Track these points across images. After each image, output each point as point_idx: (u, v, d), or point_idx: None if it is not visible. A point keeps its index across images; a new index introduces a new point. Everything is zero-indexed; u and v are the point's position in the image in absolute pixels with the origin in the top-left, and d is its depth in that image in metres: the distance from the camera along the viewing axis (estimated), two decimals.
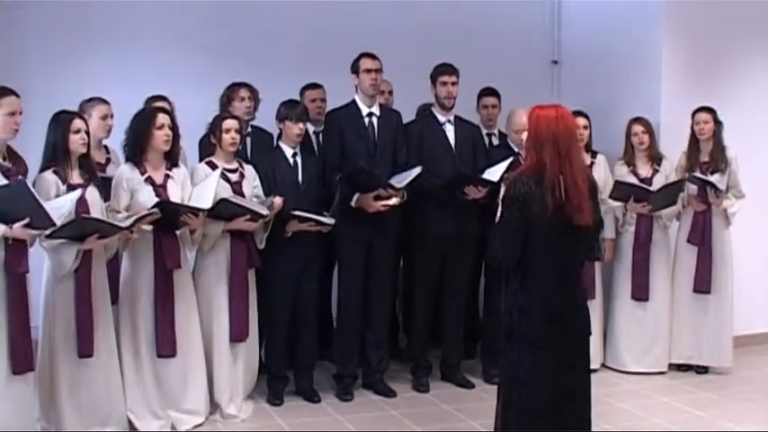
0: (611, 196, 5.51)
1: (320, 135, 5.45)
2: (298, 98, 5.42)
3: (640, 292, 5.68)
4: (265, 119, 5.38)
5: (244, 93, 5.31)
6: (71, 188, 4.13)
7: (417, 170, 4.94)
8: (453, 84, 5.23)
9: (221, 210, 4.55)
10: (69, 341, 4.18)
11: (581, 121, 5.47)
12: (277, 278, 4.92)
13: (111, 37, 5.79)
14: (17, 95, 3.96)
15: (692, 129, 5.67)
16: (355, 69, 5.12)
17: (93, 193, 4.23)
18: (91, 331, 4.19)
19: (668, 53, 6.05)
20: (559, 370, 3.37)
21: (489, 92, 6.00)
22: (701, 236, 5.64)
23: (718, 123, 5.64)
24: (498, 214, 3.46)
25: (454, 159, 5.23)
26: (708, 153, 5.64)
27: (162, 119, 4.45)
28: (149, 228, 4.38)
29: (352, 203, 4.95)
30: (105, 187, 4.36)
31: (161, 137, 4.44)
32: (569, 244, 3.35)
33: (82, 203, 4.11)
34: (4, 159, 3.98)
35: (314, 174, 5.02)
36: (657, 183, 5.63)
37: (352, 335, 5.19)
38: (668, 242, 5.78)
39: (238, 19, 6.07)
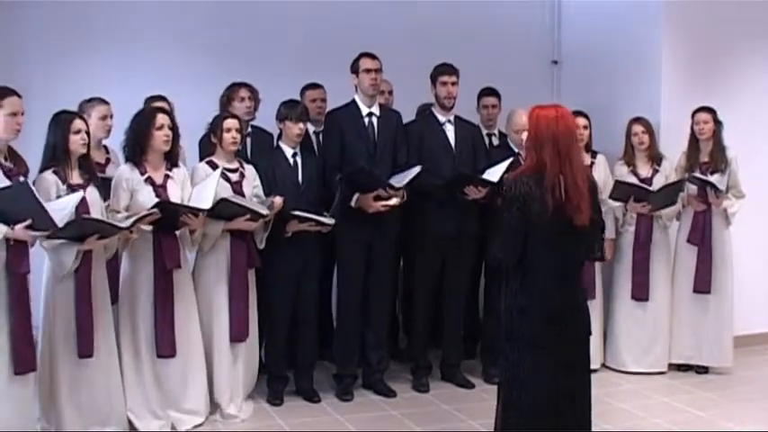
0: (611, 196, 5.51)
1: (320, 135, 5.45)
2: (298, 98, 5.42)
3: (640, 292, 5.68)
4: (265, 119, 5.38)
5: (244, 93, 5.31)
6: (71, 188, 4.13)
7: (417, 170, 4.94)
8: (453, 84, 5.23)
9: (221, 209, 4.55)
10: (69, 341, 4.18)
11: (581, 121, 5.47)
12: (277, 278, 4.92)
13: (111, 37, 5.78)
14: (19, 96, 3.96)
15: (692, 129, 5.67)
16: (355, 69, 5.12)
17: (93, 194, 4.23)
18: (91, 331, 4.19)
19: (668, 53, 6.05)
20: (559, 370, 3.37)
21: (489, 92, 6.00)
22: (701, 236, 5.64)
23: (718, 123, 5.64)
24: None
25: (454, 159, 5.23)
26: (708, 153, 5.64)
27: (161, 119, 4.45)
28: (149, 228, 4.38)
29: (352, 203, 4.95)
30: (105, 187, 4.36)
31: (161, 137, 4.44)
32: (569, 244, 3.34)
33: (82, 204, 4.11)
34: (6, 160, 3.98)
35: (314, 174, 5.02)
36: (657, 183, 5.63)
37: (352, 335, 5.19)
38: (668, 242, 5.78)
39: (238, 19, 6.07)
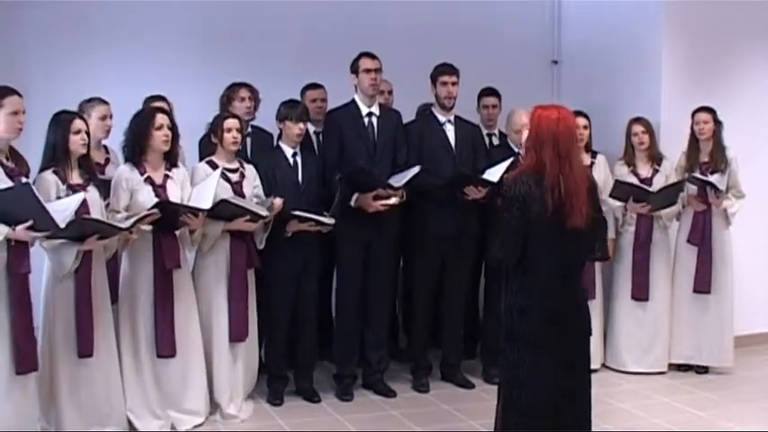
0: (610, 195, 5.51)
1: (321, 135, 5.45)
2: (298, 98, 5.42)
3: (640, 292, 5.67)
4: (265, 119, 5.37)
5: (244, 93, 5.31)
6: (71, 188, 4.13)
7: (416, 169, 4.94)
8: (453, 84, 5.23)
9: (221, 210, 4.55)
10: (69, 341, 4.18)
11: (581, 121, 5.47)
12: (277, 278, 4.92)
13: (111, 37, 5.78)
14: (20, 95, 3.96)
15: (692, 129, 5.67)
16: (355, 69, 5.12)
17: (93, 194, 4.23)
18: (91, 331, 4.19)
19: (668, 53, 6.05)
20: (559, 370, 3.37)
21: (489, 92, 6.00)
22: (701, 236, 5.64)
23: (717, 123, 5.64)
24: None
25: (454, 159, 5.23)
26: (708, 153, 5.64)
27: (161, 119, 4.45)
28: (149, 228, 4.38)
29: (352, 203, 4.95)
30: (104, 188, 4.36)
31: (160, 137, 4.44)
32: (569, 244, 3.34)
33: (82, 204, 4.09)
34: (7, 159, 3.98)
35: (314, 174, 5.02)
36: (658, 183, 5.63)
37: (352, 335, 5.19)
38: (668, 242, 5.78)
39: (238, 19, 6.07)
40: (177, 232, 4.49)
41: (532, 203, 3.27)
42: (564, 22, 7.03)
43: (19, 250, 3.85)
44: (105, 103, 4.83)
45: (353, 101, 5.16)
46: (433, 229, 5.19)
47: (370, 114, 5.14)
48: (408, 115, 5.55)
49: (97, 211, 4.23)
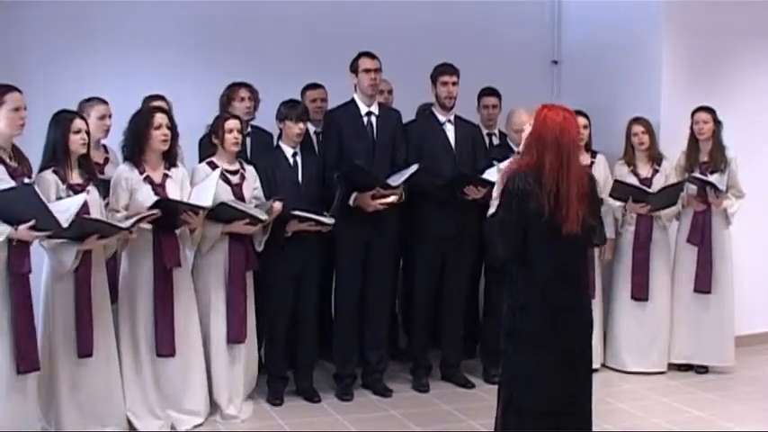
0: (610, 195, 5.51)
1: (321, 135, 5.45)
2: (298, 98, 5.42)
3: (640, 292, 5.67)
4: (265, 119, 5.37)
5: (244, 93, 5.31)
6: (71, 188, 4.13)
7: (414, 167, 4.94)
8: (454, 84, 5.23)
9: (220, 213, 4.55)
10: (69, 341, 4.18)
11: (581, 120, 5.45)
12: (277, 278, 4.92)
13: (111, 37, 5.77)
14: (20, 92, 3.97)
15: (692, 129, 5.67)
16: (354, 69, 5.12)
17: (92, 194, 4.22)
18: (90, 331, 4.19)
19: (668, 53, 6.05)
20: (560, 369, 3.37)
21: (490, 92, 6.00)
22: (701, 236, 5.64)
23: (717, 123, 5.63)
24: (492, 208, 3.48)
25: (454, 159, 5.23)
26: (707, 153, 5.65)
27: (159, 118, 4.45)
28: (149, 226, 4.38)
29: (350, 203, 4.95)
30: (103, 187, 4.36)
31: (159, 137, 4.44)
32: (566, 247, 3.34)
33: (83, 204, 4.10)
34: (10, 159, 3.98)
35: (314, 173, 5.02)
36: (658, 183, 5.63)
37: (351, 335, 5.19)
38: (668, 242, 5.78)
39: (238, 19, 6.06)
40: (177, 231, 4.49)
41: (530, 200, 3.28)
42: (564, 22, 7.03)
43: (19, 250, 3.85)
44: (104, 102, 4.83)
45: (353, 100, 5.16)
46: (433, 229, 5.19)
47: (369, 114, 5.14)
48: (408, 115, 5.55)
49: (97, 210, 4.23)
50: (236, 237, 4.69)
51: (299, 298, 4.98)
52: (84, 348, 4.18)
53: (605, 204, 5.45)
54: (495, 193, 3.53)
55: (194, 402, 4.59)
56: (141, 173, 4.43)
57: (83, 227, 4.02)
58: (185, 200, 4.50)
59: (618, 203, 5.63)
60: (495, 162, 5.09)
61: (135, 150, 4.45)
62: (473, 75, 5.60)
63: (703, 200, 5.62)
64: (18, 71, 5.25)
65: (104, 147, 4.95)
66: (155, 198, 4.36)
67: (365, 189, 4.93)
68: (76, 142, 4.17)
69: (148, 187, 4.42)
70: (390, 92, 5.78)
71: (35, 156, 4.17)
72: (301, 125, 4.95)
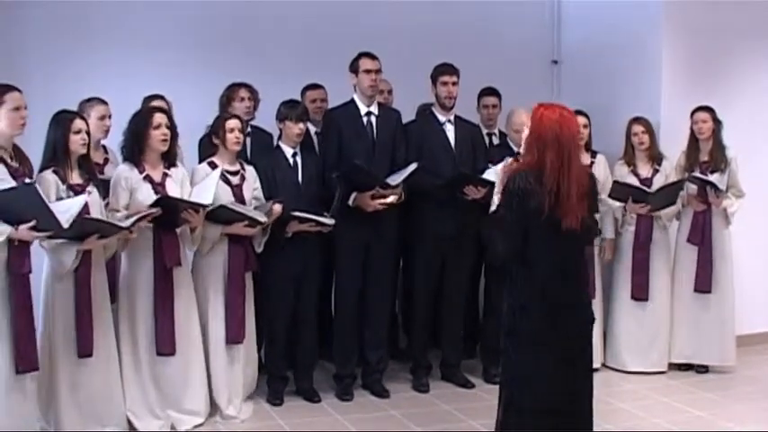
0: (609, 195, 5.51)
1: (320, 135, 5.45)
2: (298, 98, 5.42)
3: (640, 292, 5.67)
4: (265, 119, 5.37)
5: (244, 93, 5.31)
6: (71, 188, 4.13)
7: (413, 166, 4.94)
8: (454, 84, 5.23)
9: (219, 215, 4.55)
10: (69, 341, 4.18)
11: (581, 120, 5.45)
12: (277, 279, 4.92)
13: (111, 37, 5.78)
14: (20, 91, 3.97)
15: (692, 128, 5.67)
16: (354, 69, 5.12)
17: (93, 194, 4.22)
18: (90, 331, 4.19)
19: (668, 53, 6.05)
20: (560, 367, 3.36)
21: (490, 92, 6.00)
22: (701, 235, 5.64)
23: (717, 123, 5.64)
24: (493, 206, 3.48)
25: (454, 159, 5.23)
26: (707, 152, 5.65)
27: (159, 118, 4.45)
28: (149, 226, 4.37)
29: (350, 203, 4.94)
30: (103, 188, 4.36)
31: (158, 136, 4.43)
32: (565, 243, 3.34)
33: (83, 205, 4.10)
34: (11, 159, 3.98)
35: (314, 174, 5.02)
36: (658, 183, 5.63)
37: (351, 335, 5.19)
38: (668, 242, 5.78)
39: (238, 19, 6.06)
40: (178, 230, 4.49)
41: (530, 199, 3.28)
42: (564, 22, 7.03)
43: (19, 250, 3.85)
44: (104, 103, 4.83)
45: (352, 100, 5.16)
46: (433, 229, 5.19)
47: (369, 114, 5.14)
48: (408, 115, 5.55)
49: (97, 211, 4.23)
50: (236, 238, 4.69)
51: (299, 298, 4.98)
52: (84, 348, 4.18)
53: (605, 204, 5.46)
54: (497, 192, 3.53)
55: (194, 402, 4.59)
56: (141, 172, 4.43)
57: (83, 227, 4.02)
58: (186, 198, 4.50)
59: (618, 204, 5.63)
60: (490, 165, 5.12)
61: (134, 150, 4.45)
62: (473, 75, 5.60)
63: (703, 200, 5.62)
64: (18, 71, 5.25)
65: (104, 147, 4.95)
66: (155, 197, 4.36)
67: (365, 189, 4.93)
68: (77, 142, 4.17)
69: (148, 186, 4.42)
70: (390, 92, 5.78)
71: (35, 156, 4.17)
72: (301, 125, 4.94)
